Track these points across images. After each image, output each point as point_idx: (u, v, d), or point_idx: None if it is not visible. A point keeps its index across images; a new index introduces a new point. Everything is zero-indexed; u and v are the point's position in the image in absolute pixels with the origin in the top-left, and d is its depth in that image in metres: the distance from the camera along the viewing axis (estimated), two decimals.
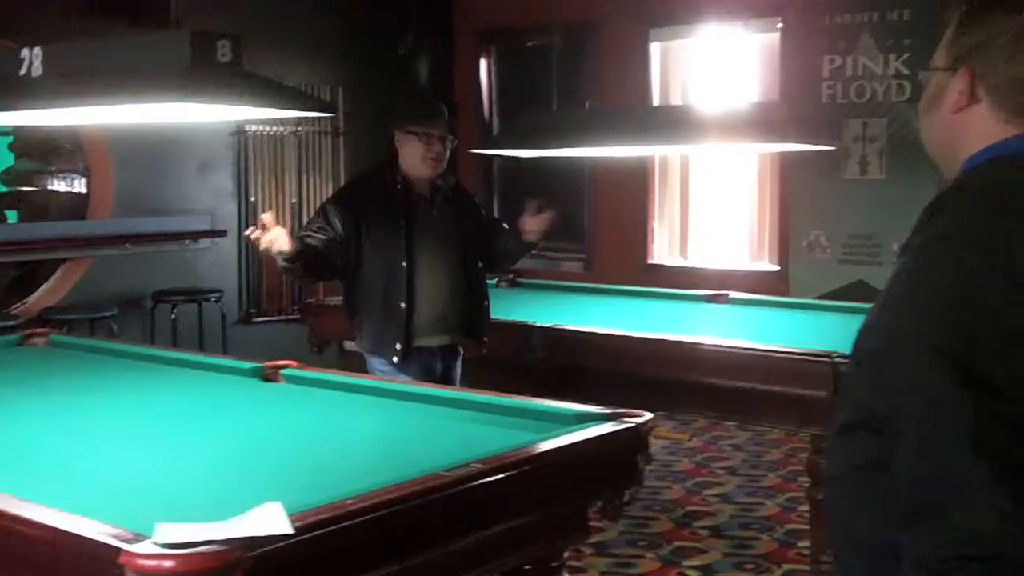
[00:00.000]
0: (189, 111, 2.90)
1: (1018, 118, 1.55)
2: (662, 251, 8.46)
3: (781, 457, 6.26)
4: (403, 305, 4.18)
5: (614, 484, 2.94)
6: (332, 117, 8.31)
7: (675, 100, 8.13)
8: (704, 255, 8.27)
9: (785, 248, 7.62)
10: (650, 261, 8.41)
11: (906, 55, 7.00)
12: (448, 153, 4.34)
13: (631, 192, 8.39)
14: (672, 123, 5.29)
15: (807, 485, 4.42)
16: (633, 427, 2.95)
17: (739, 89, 7.75)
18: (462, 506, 2.46)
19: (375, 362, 4.29)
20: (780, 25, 7.56)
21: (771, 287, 7.04)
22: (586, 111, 8.05)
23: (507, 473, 2.55)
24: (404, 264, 4.19)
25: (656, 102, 8.15)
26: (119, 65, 2.83)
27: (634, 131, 5.23)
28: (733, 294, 5.81)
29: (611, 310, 5.53)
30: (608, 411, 3.04)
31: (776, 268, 7.74)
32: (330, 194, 8.38)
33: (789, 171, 7.51)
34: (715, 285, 6.18)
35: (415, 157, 4.27)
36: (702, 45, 8.00)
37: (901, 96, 6.99)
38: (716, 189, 8.23)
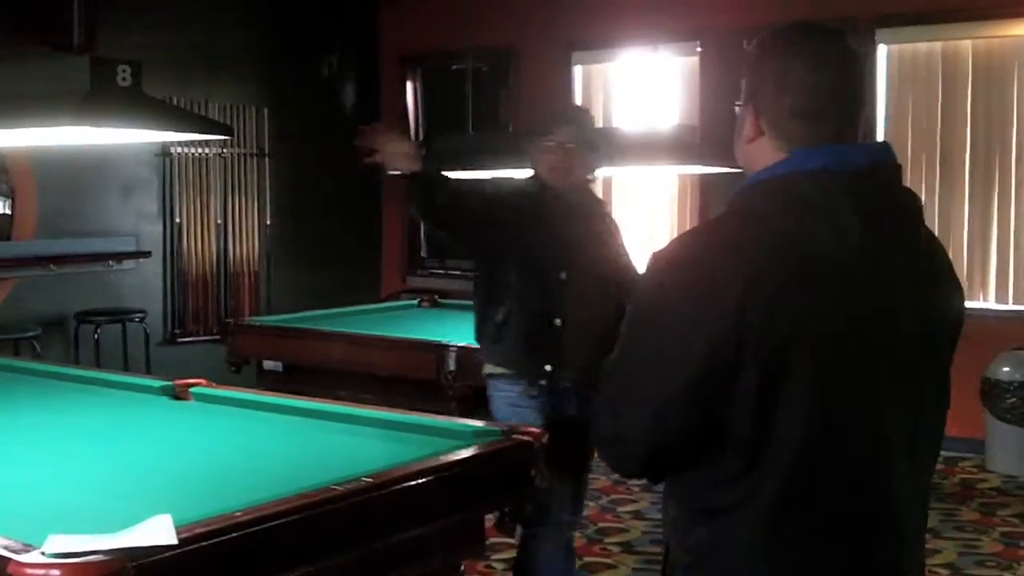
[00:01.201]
0: (88, 134, 2.95)
1: (791, 146, 1.77)
2: None
3: None
4: (558, 322, 3.74)
5: (508, 498, 3.02)
6: (257, 139, 8.36)
7: (597, 123, 8.24)
8: None
9: None
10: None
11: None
12: (584, 161, 3.84)
13: None
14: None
15: None
16: (527, 442, 3.03)
17: (660, 112, 7.89)
18: (353, 520, 2.52)
19: (507, 391, 3.84)
20: (699, 49, 7.73)
21: None
22: (507, 133, 8.21)
23: (398, 487, 2.62)
24: (563, 276, 3.75)
25: None
26: (21, 89, 2.88)
27: None
28: None
29: None
30: (505, 427, 3.12)
31: None
32: (257, 214, 8.49)
33: (708, 192, 7.66)
34: None
35: (543, 167, 3.83)
36: (623, 69, 8.15)
37: None
38: (637, 210, 8.35)
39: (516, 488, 3.02)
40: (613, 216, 4.13)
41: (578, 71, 8.37)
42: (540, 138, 3.80)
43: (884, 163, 1.80)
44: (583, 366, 3.52)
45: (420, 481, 2.68)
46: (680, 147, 5.04)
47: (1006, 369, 6.30)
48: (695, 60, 7.79)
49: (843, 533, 1.73)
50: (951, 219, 6.97)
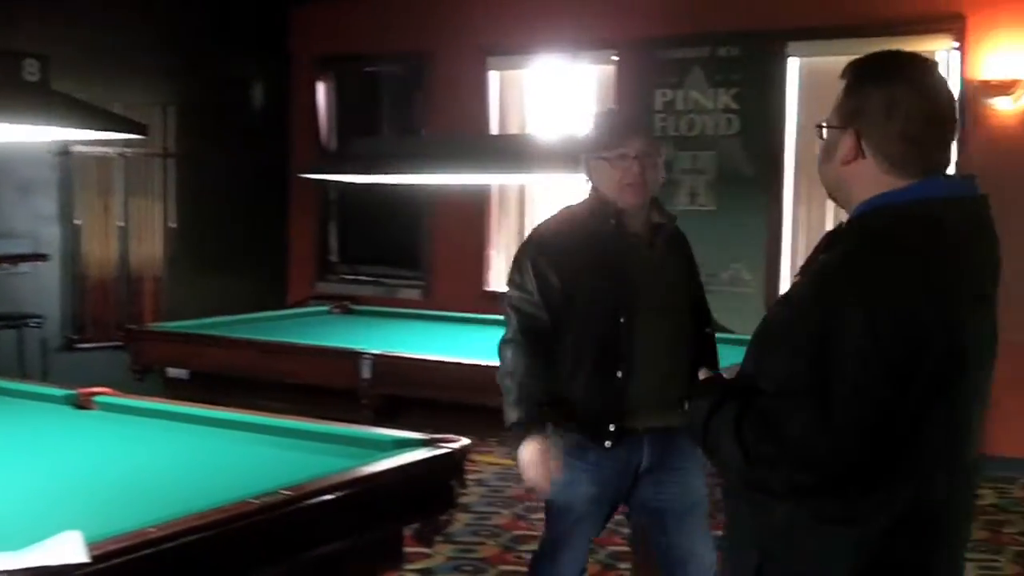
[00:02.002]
0: None
1: (896, 169, 1.92)
2: (500, 278, 8.52)
3: None
4: (619, 374, 3.22)
5: (428, 509, 2.95)
6: (163, 139, 8.17)
7: (513, 129, 8.22)
8: None
9: None
10: (488, 288, 8.47)
11: (734, 90, 7.24)
12: (658, 175, 3.33)
13: (470, 219, 8.45)
14: (509, 152, 5.37)
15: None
16: (448, 452, 2.97)
17: (576, 120, 7.87)
18: (270, 533, 2.43)
19: (575, 461, 3.28)
20: (615, 58, 7.73)
21: None
22: (424, 138, 8.14)
23: (317, 499, 2.54)
24: (622, 320, 3.23)
25: (495, 131, 8.23)
26: None
27: (472, 159, 5.29)
28: None
29: (447, 338, 5.54)
30: (425, 437, 3.05)
31: None
32: (160, 217, 8.28)
33: None
34: None
35: (611, 184, 3.27)
36: (540, 75, 8.12)
37: (729, 130, 7.22)
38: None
39: (437, 499, 2.96)
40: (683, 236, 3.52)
41: (494, 77, 8.31)
42: (607, 150, 3.29)
43: (980, 194, 1.97)
44: (656, 411, 3.22)
45: (340, 494, 2.60)
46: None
47: None
48: (611, 69, 7.79)
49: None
50: None
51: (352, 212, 9.24)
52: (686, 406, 2.09)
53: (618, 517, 5.40)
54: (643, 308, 3.24)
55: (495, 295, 8.34)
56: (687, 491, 3.35)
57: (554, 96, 8.06)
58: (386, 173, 5.33)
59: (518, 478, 6.33)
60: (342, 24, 8.73)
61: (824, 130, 2.00)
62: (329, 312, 6.52)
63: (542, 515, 5.63)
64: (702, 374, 2.18)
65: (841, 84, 2.00)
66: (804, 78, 7.24)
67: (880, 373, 1.78)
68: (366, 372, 4.78)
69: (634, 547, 4.32)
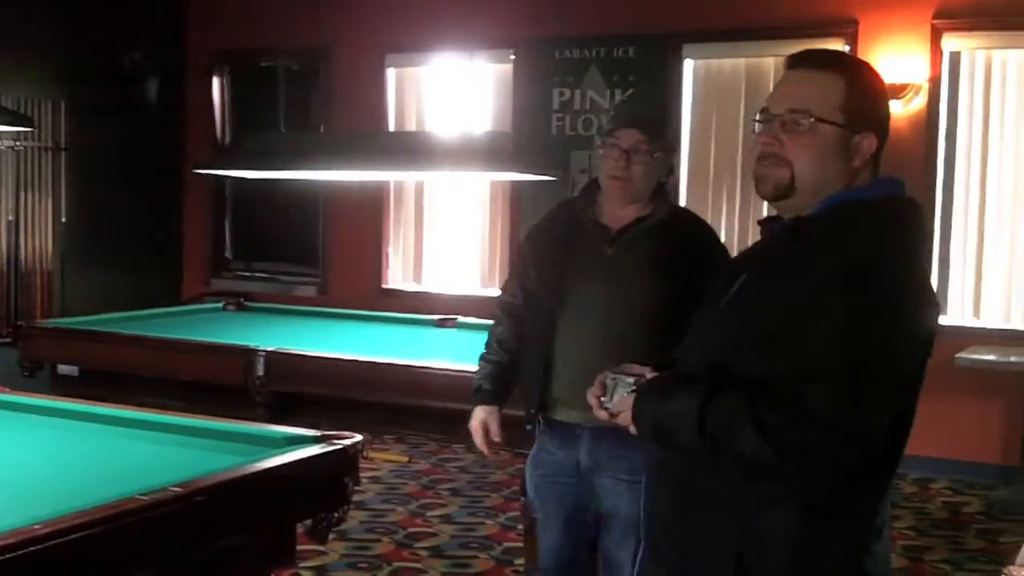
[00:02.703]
0: None
1: (867, 168, 2.04)
2: (397, 276, 8.53)
3: (506, 478, 6.39)
4: (543, 358, 3.23)
5: (321, 505, 2.96)
6: (54, 132, 8.00)
7: (411, 127, 8.22)
8: (438, 280, 8.38)
9: None
10: (385, 286, 8.46)
11: (631, 91, 7.33)
12: (649, 169, 3.16)
13: (367, 216, 8.43)
14: (406, 149, 5.36)
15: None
16: (340, 448, 2.98)
17: (473, 118, 7.91)
18: (159, 530, 2.43)
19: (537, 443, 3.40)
20: (513, 57, 7.78)
21: None
22: (320, 134, 8.10)
23: (206, 496, 2.53)
24: (554, 311, 3.20)
25: (392, 128, 8.22)
26: None
27: (368, 155, 5.27)
28: (461, 318, 5.93)
29: (342, 335, 5.54)
30: (317, 433, 3.06)
31: None
32: (51, 211, 8.12)
33: (519, 199, 7.71)
34: (448, 310, 6.29)
35: (603, 174, 3.22)
36: (438, 73, 8.14)
37: None
38: (450, 215, 8.36)
39: (329, 495, 2.97)
40: (709, 244, 3.32)
41: (392, 74, 8.30)
42: (603, 136, 3.27)
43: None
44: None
45: (231, 490, 2.60)
46: (494, 153, 5.03)
47: None
48: (509, 68, 7.83)
49: None
50: (750, 229, 7.19)
51: (248, 208, 9.16)
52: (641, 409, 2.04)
53: (516, 513, 5.51)
54: (577, 303, 3.18)
55: (392, 292, 8.35)
56: (617, 503, 3.17)
57: (451, 94, 8.08)
58: (282, 169, 5.29)
59: (414, 475, 6.38)
60: (239, 18, 8.65)
61: (814, 122, 1.98)
62: (223, 309, 6.47)
63: (438, 512, 5.72)
64: (648, 372, 2.12)
65: (832, 78, 2.00)
66: (699, 79, 7.36)
67: (908, 357, 1.90)
68: (259, 369, 4.76)
69: (527, 542, 4.36)
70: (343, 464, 2.99)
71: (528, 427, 3.35)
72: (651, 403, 2.03)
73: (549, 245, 3.29)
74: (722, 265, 3.19)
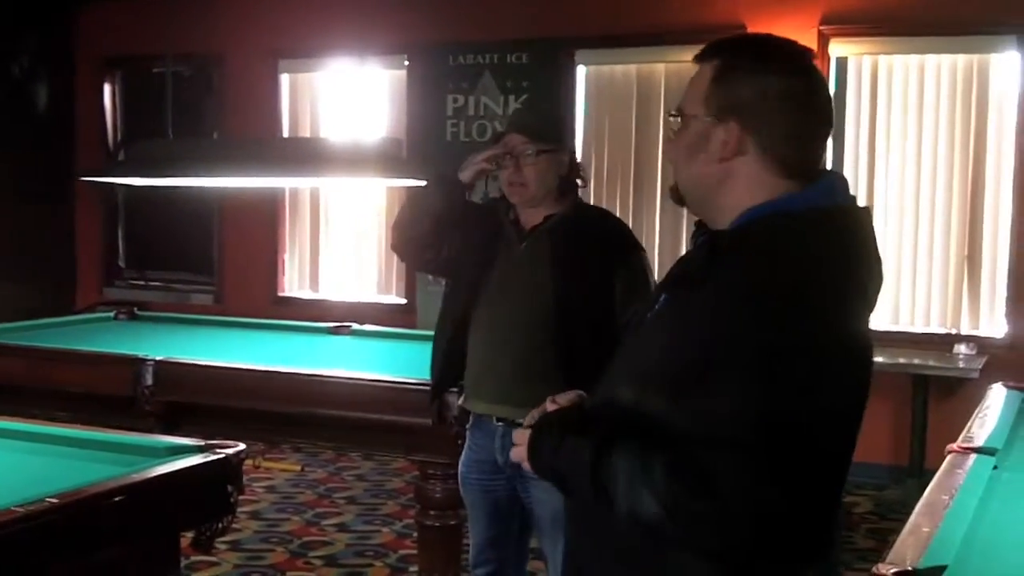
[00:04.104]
0: None
1: (783, 170, 1.71)
2: (293, 283, 8.46)
3: (402, 485, 6.38)
4: (445, 345, 3.43)
5: (204, 515, 2.93)
6: None
7: (305, 133, 8.17)
8: (335, 288, 8.34)
9: (412, 281, 7.80)
10: (281, 293, 8.39)
11: (525, 96, 7.37)
12: (539, 169, 3.19)
13: (262, 223, 8.36)
14: (300, 155, 5.32)
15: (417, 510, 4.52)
16: (223, 457, 2.95)
17: (367, 124, 7.88)
18: (35, 542, 2.38)
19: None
20: (406, 63, 7.77)
21: (400, 319, 7.19)
22: (213, 141, 8.00)
23: (85, 508, 2.49)
24: (467, 296, 3.34)
25: (285, 134, 8.16)
26: None
27: (262, 162, 5.22)
28: (356, 325, 5.89)
29: (236, 343, 5.47)
30: (201, 443, 3.02)
31: (404, 301, 7.92)
32: None
33: None
34: (345, 317, 6.25)
35: (504, 184, 3.29)
36: (332, 79, 8.10)
37: None
38: (346, 222, 8.32)
39: (213, 505, 2.94)
40: (629, 250, 3.33)
41: (285, 79, 8.24)
42: (489, 149, 3.29)
43: (866, 205, 1.83)
44: (497, 403, 3.27)
45: (110, 501, 2.56)
46: (387, 160, 5.02)
47: None
48: (402, 74, 7.82)
49: None
50: (644, 232, 7.28)
51: (141, 216, 9.02)
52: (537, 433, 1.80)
53: (412, 520, 5.49)
54: (487, 299, 3.29)
55: (288, 300, 8.28)
56: (542, 504, 3.22)
57: (345, 100, 8.04)
58: (174, 176, 5.21)
59: (310, 484, 6.33)
60: (129, 24, 8.50)
61: (683, 120, 1.77)
62: (114, 318, 6.34)
63: (334, 521, 5.67)
64: (550, 404, 1.84)
65: (706, 67, 1.76)
66: (591, 85, 7.42)
67: (836, 406, 1.60)
68: (148, 379, 4.67)
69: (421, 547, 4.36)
70: (226, 473, 2.96)
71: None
72: (548, 442, 1.76)
73: (471, 243, 3.36)
74: (636, 266, 3.29)
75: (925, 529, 2.35)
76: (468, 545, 3.51)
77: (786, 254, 1.64)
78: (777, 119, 1.70)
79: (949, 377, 6.32)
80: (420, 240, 3.38)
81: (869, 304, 1.73)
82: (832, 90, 6.86)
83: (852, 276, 1.69)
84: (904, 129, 6.86)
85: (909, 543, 2.25)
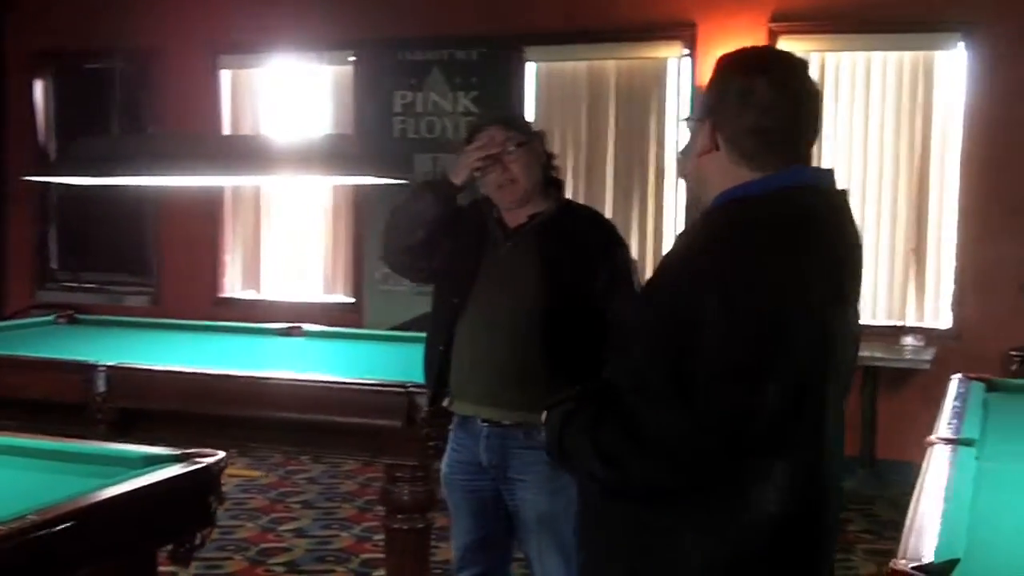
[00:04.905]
0: None
1: (748, 162, 1.89)
2: (234, 284, 8.28)
3: (356, 488, 6.27)
4: (440, 347, 3.27)
5: (185, 527, 2.81)
6: None
7: (247, 130, 8.00)
8: (278, 288, 8.18)
9: (359, 280, 7.68)
10: (222, 295, 8.21)
11: (474, 93, 7.29)
12: (526, 161, 3.15)
13: (202, 223, 8.17)
14: (242, 153, 5.19)
15: (383, 514, 4.42)
16: (204, 467, 2.84)
17: (312, 121, 7.74)
18: (19, 560, 2.25)
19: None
20: (353, 59, 7.64)
21: (346, 319, 7.08)
22: (151, 138, 7.80)
23: (67, 523, 2.36)
24: (455, 300, 3.24)
25: (227, 131, 7.98)
26: None
27: (202, 160, 5.08)
28: (307, 327, 5.76)
29: (181, 346, 5.32)
30: (177, 452, 2.90)
31: (351, 300, 7.79)
32: None
33: (363, 204, 7.58)
34: (289, 318, 6.10)
35: (490, 188, 3.21)
36: (275, 75, 7.94)
37: None
38: (290, 221, 8.17)
39: (193, 517, 2.83)
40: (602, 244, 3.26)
41: (226, 75, 8.06)
42: (470, 151, 3.16)
43: (837, 186, 1.97)
44: (485, 405, 3.21)
45: (95, 515, 2.44)
46: (340, 157, 4.91)
47: None
48: (348, 69, 7.69)
49: None
50: None
51: (74, 216, 8.77)
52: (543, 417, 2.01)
53: (371, 524, 5.40)
54: (473, 302, 3.21)
55: (229, 301, 8.11)
56: (527, 504, 3.21)
57: (289, 97, 7.89)
58: (114, 175, 5.04)
59: (262, 489, 6.19)
60: (62, 19, 8.26)
61: (688, 124, 2.01)
62: (54, 322, 6.15)
63: (291, 526, 5.55)
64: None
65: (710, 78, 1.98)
66: (541, 82, 7.35)
67: (742, 367, 1.74)
68: (100, 385, 4.51)
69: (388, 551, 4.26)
70: (207, 483, 2.85)
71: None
72: (554, 416, 1.98)
73: (459, 245, 3.27)
74: (620, 263, 3.24)
75: (930, 523, 2.34)
76: (437, 548, 3.42)
77: (726, 232, 1.84)
78: (738, 116, 1.89)
79: (898, 368, 6.37)
80: (415, 250, 3.28)
81: (832, 278, 1.86)
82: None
83: (794, 255, 1.81)
84: (851, 125, 6.89)
85: (919, 538, 2.24)
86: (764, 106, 1.87)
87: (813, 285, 1.81)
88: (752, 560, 1.85)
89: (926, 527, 2.31)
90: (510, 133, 3.18)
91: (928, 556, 2.11)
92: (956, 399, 3.76)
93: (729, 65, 1.94)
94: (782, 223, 1.83)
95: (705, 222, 1.94)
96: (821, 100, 1.99)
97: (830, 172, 1.98)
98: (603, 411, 1.85)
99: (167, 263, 8.38)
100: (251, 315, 6.91)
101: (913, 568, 2.04)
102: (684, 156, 2.02)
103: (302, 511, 5.85)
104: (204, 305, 7.86)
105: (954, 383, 4.02)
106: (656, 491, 1.84)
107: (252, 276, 8.27)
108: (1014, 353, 6.34)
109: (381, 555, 4.75)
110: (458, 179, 3.17)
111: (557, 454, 1.95)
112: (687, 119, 2.02)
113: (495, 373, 3.17)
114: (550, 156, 3.32)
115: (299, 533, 5.47)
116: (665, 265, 1.94)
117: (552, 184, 3.31)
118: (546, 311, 3.13)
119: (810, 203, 1.88)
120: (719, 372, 1.73)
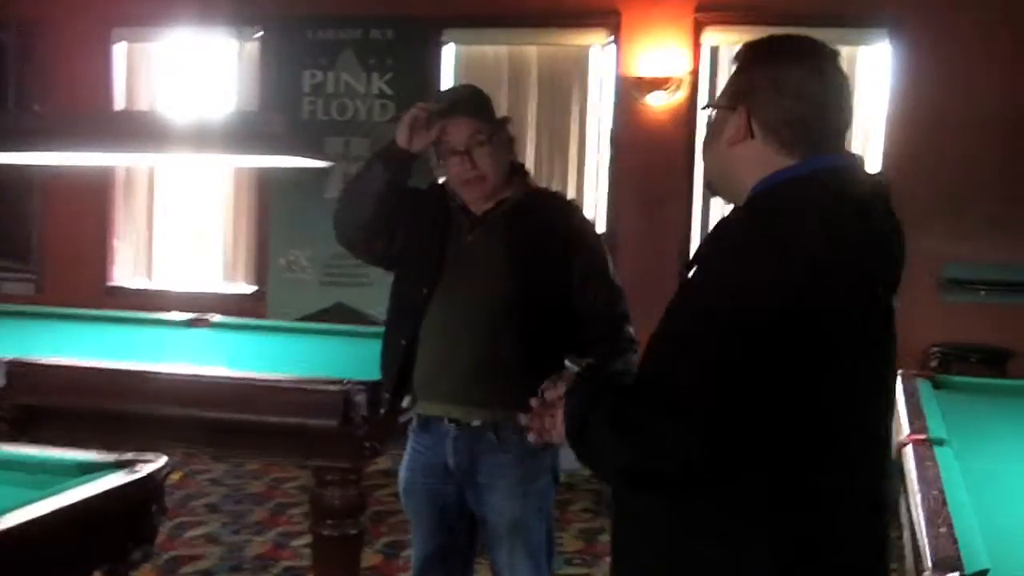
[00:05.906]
0: None
1: (786, 150, 1.85)
2: (125, 272, 7.83)
3: (264, 489, 5.93)
4: (403, 342, 3.02)
5: (126, 542, 2.50)
6: None
7: (143, 106, 7.55)
8: (172, 276, 7.76)
9: (263, 268, 7.31)
10: (111, 283, 7.75)
11: (389, 75, 6.99)
12: (494, 153, 2.95)
13: (90, 206, 7.69)
14: (139, 131, 4.82)
15: (309, 521, 4.12)
16: (147, 475, 2.53)
17: (215, 100, 7.33)
18: None
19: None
20: (260, 35, 7.26)
21: (248, 309, 6.74)
22: (35, 114, 7.31)
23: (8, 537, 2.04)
24: (424, 291, 2.98)
25: (121, 107, 7.52)
26: None
27: (92, 138, 4.70)
28: (214, 317, 5.41)
29: (89, 339, 4.93)
30: (116, 458, 2.58)
31: (253, 289, 7.42)
32: None
33: (268, 188, 7.22)
34: (185, 308, 5.72)
35: (454, 182, 3.01)
36: (175, 50, 7.50)
37: (384, 116, 6.94)
38: (186, 205, 7.75)
39: (136, 529, 2.51)
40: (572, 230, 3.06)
41: (120, 49, 7.60)
42: (439, 145, 2.97)
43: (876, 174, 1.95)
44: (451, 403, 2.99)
45: (31, 529, 2.12)
46: (266, 137, 4.57)
47: None
48: (255, 46, 7.31)
49: None
50: None
51: None
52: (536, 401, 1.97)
53: (287, 528, 5.08)
54: (440, 292, 2.99)
55: (119, 290, 7.66)
56: (496, 510, 3.03)
57: (190, 73, 7.47)
58: (20, 151, 4.65)
59: (176, 501, 5.80)
60: None
61: (713, 111, 1.95)
62: None
63: (200, 531, 5.18)
64: (535, 401, 1.99)
65: (733, 66, 1.95)
66: (460, 66, 7.08)
67: (819, 335, 1.72)
68: (1, 380, 4.12)
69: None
70: (151, 492, 2.54)
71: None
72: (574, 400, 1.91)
73: (421, 230, 3.04)
74: (591, 248, 3.02)
75: (942, 529, 2.27)
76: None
77: (797, 204, 1.80)
78: (776, 102, 1.85)
79: None
80: (367, 228, 3.04)
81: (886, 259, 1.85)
82: (706, 79, 6.80)
83: (866, 230, 1.80)
84: None
85: (941, 545, 2.18)
86: (799, 94, 1.85)
87: (873, 264, 1.83)
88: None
89: (940, 534, 2.23)
90: (479, 125, 2.95)
91: (960, 567, 2.04)
92: (909, 397, 3.67)
93: (762, 52, 1.92)
94: (841, 198, 1.82)
95: (755, 207, 1.87)
96: (850, 91, 1.95)
97: (863, 159, 1.95)
98: (624, 388, 1.84)
99: (52, 248, 7.87)
100: (145, 304, 6.49)
101: None
102: (709, 146, 1.96)
103: (208, 515, 5.48)
104: (93, 294, 7.39)
105: (901, 381, 3.94)
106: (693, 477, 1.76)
107: (144, 263, 7.82)
108: (934, 349, 6.32)
109: (304, 563, 4.46)
110: (402, 139, 2.95)
111: (577, 439, 1.87)
112: (709, 106, 1.97)
113: (469, 369, 2.94)
114: (512, 141, 3.10)
115: (209, 539, 5.11)
116: (714, 256, 1.86)
117: (515, 169, 3.10)
118: (520, 301, 2.93)
119: (856, 183, 1.87)
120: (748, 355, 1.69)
